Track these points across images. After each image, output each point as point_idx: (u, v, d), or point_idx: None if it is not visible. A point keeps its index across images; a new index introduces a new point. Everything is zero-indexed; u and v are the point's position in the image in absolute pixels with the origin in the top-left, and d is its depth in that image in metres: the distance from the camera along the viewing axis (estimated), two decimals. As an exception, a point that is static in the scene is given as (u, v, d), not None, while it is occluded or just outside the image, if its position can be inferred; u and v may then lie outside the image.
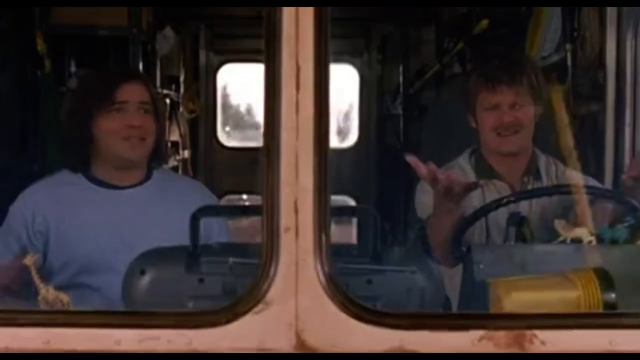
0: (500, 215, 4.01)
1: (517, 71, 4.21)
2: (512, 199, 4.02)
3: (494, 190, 4.21)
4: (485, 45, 6.65)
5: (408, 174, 4.41)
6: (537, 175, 4.28)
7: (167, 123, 8.87)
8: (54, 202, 3.96)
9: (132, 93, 3.96)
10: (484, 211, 3.94)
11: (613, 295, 2.71)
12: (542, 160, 4.32)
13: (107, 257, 3.83)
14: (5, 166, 6.06)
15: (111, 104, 3.93)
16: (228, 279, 2.60)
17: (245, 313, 2.33)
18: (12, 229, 3.94)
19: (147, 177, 4.08)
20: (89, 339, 2.34)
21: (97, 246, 3.87)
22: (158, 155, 4.14)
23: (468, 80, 4.40)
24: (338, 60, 10.08)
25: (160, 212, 3.99)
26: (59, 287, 2.91)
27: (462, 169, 4.31)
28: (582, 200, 3.84)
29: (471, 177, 4.22)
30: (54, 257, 3.89)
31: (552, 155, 4.34)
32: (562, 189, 4.15)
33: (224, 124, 11.23)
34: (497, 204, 3.96)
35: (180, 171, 8.91)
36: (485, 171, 4.28)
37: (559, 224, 3.47)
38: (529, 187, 4.26)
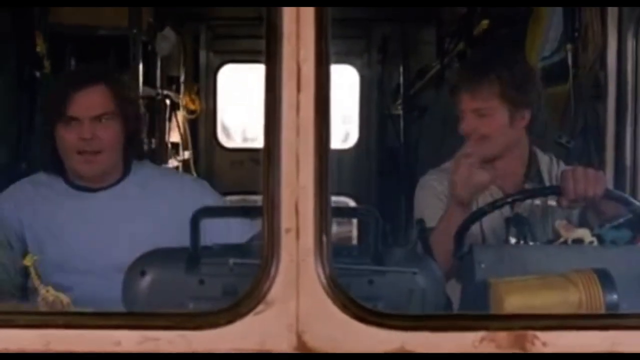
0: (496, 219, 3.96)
1: (480, 75, 4.05)
2: (508, 200, 3.94)
3: (488, 196, 4.12)
4: (486, 46, 6.65)
5: (408, 174, 4.39)
6: (539, 178, 4.20)
7: (167, 124, 8.89)
8: (30, 202, 3.95)
9: (84, 106, 3.85)
10: (481, 213, 3.87)
11: (615, 296, 2.70)
12: (545, 161, 4.26)
13: (82, 259, 3.83)
14: (3, 167, 6.05)
15: (63, 117, 3.86)
16: (228, 280, 2.59)
17: (245, 314, 2.32)
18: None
19: (125, 173, 4.02)
20: (89, 340, 2.34)
21: (70, 248, 3.86)
22: (134, 150, 4.07)
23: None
24: (338, 60, 10.08)
25: (139, 208, 3.96)
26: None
27: None
28: None
29: None
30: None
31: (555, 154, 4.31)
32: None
33: (224, 125, 11.21)
34: (493, 206, 3.92)
35: (180, 172, 8.90)
36: None
37: (560, 225, 3.47)
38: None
